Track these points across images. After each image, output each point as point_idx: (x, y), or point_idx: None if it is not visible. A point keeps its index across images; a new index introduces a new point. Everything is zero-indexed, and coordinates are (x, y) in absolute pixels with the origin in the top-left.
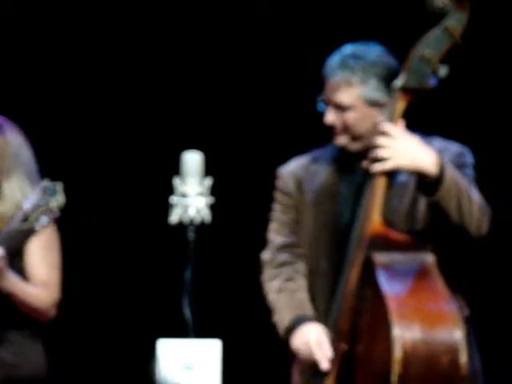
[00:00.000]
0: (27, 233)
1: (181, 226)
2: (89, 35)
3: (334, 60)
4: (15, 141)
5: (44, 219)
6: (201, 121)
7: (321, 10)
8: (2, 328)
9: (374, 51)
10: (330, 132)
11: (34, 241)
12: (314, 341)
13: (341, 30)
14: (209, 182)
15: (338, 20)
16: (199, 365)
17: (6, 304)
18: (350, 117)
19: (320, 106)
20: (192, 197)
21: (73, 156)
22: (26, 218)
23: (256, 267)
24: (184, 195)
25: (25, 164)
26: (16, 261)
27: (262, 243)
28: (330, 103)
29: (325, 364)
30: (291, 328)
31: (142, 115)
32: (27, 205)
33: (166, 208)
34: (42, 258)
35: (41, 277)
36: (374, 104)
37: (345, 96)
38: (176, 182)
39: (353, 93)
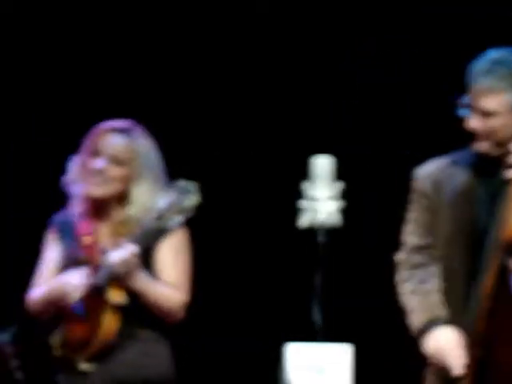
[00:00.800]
0: (161, 231)
1: (311, 230)
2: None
3: (480, 65)
4: (144, 145)
5: (178, 218)
6: (331, 124)
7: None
8: (131, 326)
9: None
10: (467, 135)
11: (166, 242)
12: (446, 346)
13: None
14: (339, 185)
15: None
16: (330, 369)
17: (136, 302)
18: (495, 123)
19: (462, 110)
20: (322, 201)
21: (202, 160)
22: (160, 217)
23: (388, 271)
24: (314, 199)
25: (154, 168)
26: (148, 260)
27: (394, 246)
28: (474, 109)
29: (457, 370)
30: (423, 330)
31: (271, 119)
32: (162, 204)
33: (296, 212)
34: (173, 259)
35: (171, 278)
36: None
37: (491, 102)
38: (305, 186)
39: (500, 99)
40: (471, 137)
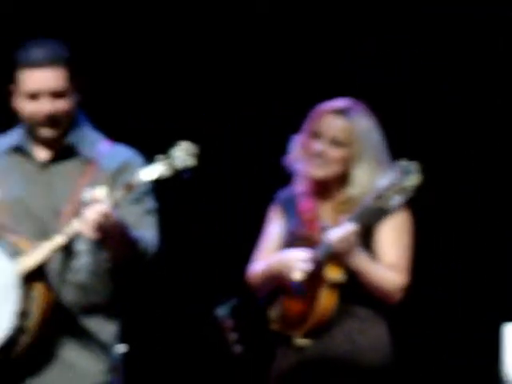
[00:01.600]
0: (380, 211)
1: None
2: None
3: None
4: (364, 125)
5: (397, 198)
6: None
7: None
8: (348, 304)
9: None
10: None
11: (388, 223)
12: None
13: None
14: None
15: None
16: None
17: (355, 280)
18: None
19: None
20: None
21: (424, 139)
22: (379, 196)
23: None
24: None
25: (374, 148)
26: (368, 240)
27: None
28: None
29: None
30: None
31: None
32: (382, 183)
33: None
34: (394, 240)
35: (391, 260)
36: None
37: None
38: None
39: None
40: None
